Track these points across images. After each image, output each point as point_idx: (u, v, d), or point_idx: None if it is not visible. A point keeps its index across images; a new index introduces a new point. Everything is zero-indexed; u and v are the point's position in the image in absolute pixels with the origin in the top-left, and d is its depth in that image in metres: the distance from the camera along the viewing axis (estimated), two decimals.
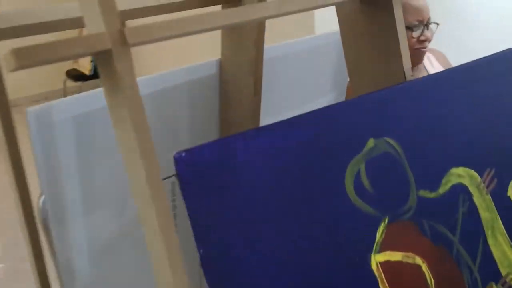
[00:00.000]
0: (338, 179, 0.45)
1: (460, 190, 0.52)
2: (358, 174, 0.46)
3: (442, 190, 0.51)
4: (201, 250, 0.36)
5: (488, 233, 0.55)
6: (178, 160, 0.35)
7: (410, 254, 0.49)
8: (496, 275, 0.55)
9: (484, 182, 0.54)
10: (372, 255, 0.47)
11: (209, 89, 0.69)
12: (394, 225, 0.48)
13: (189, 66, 0.69)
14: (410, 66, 0.50)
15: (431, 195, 0.51)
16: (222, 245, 0.37)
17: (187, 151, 0.36)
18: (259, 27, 0.58)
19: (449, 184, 0.52)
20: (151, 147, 0.32)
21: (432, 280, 0.50)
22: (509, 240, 0.57)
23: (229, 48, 0.63)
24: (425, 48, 1.90)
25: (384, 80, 0.52)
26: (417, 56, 1.90)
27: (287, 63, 0.80)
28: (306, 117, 0.44)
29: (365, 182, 0.46)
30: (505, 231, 0.56)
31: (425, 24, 1.88)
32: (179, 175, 0.35)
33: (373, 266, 0.47)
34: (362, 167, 0.46)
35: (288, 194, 0.42)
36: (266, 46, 0.75)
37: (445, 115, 0.53)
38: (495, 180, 0.55)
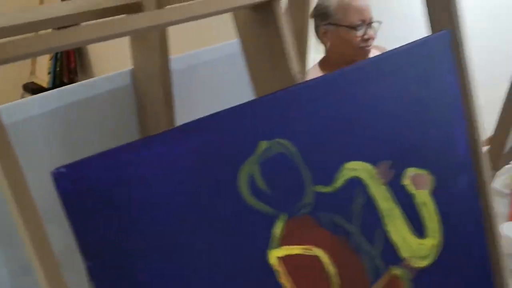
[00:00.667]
0: (232, 184, 0.47)
1: (356, 183, 0.56)
2: (252, 176, 0.48)
3: (337, 184, 0.54)
4: (90, 263, 0.37)
5: (387, 221, 0.58)
6: (58, 177, 0.36)
7: (309, 246, 0.52)
8: (397, 259, 0.59)
9: (379, 174, 0.58)
10: (271, 251, 0.49)
11: (124, 101, 0.70)
12: (292, 220, 0.51)
13: (102, 77, 0.70)
14: (299, 71, 0.52)
15: (327, 189, 0.53)
16: (112, 262, 0.39)
17: (67, 166, 0.37)
18: (161, 34, 0.59)
19: (344, 178, 0.55)
20: (20, 177, 0.33)
21: (333, 269, 0.53)
22: (409, 226, 0.61)
23: (137, 57, 0.64)
24: (369, 46, 1.97)
25: (280, 86, 0.54)
26: (362, 55, 1.97)
27: (206, 71, 0.81)
28: (195, 123, 0.46)
29: (260, 183, 0.49)
30: (404, 218, 0.60)
31: (368, 23, 1.96)
32: (60, 194, 0.36)
33: (273, 261, 0.49)
34: (256, 169, 0.49)
35: (180, 205, 0.44)
36: (183, 54, 0.77)
37: (339, 114, 0.56)
38: (391, 171, 0.59)
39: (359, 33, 1.91)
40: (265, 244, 0.49)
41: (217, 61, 0.78)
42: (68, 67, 5.69)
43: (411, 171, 0.61)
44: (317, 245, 0.53)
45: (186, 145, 0.45)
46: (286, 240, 0.50)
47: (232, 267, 0.47)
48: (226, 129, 0.47)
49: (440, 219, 0.63)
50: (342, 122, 0.56)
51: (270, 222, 0.49)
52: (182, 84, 0.71)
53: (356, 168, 0.56)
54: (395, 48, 0.64)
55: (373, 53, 2.19)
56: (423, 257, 0.61)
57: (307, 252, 0.52)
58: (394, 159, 0.60)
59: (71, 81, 6.27)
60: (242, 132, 0.48)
